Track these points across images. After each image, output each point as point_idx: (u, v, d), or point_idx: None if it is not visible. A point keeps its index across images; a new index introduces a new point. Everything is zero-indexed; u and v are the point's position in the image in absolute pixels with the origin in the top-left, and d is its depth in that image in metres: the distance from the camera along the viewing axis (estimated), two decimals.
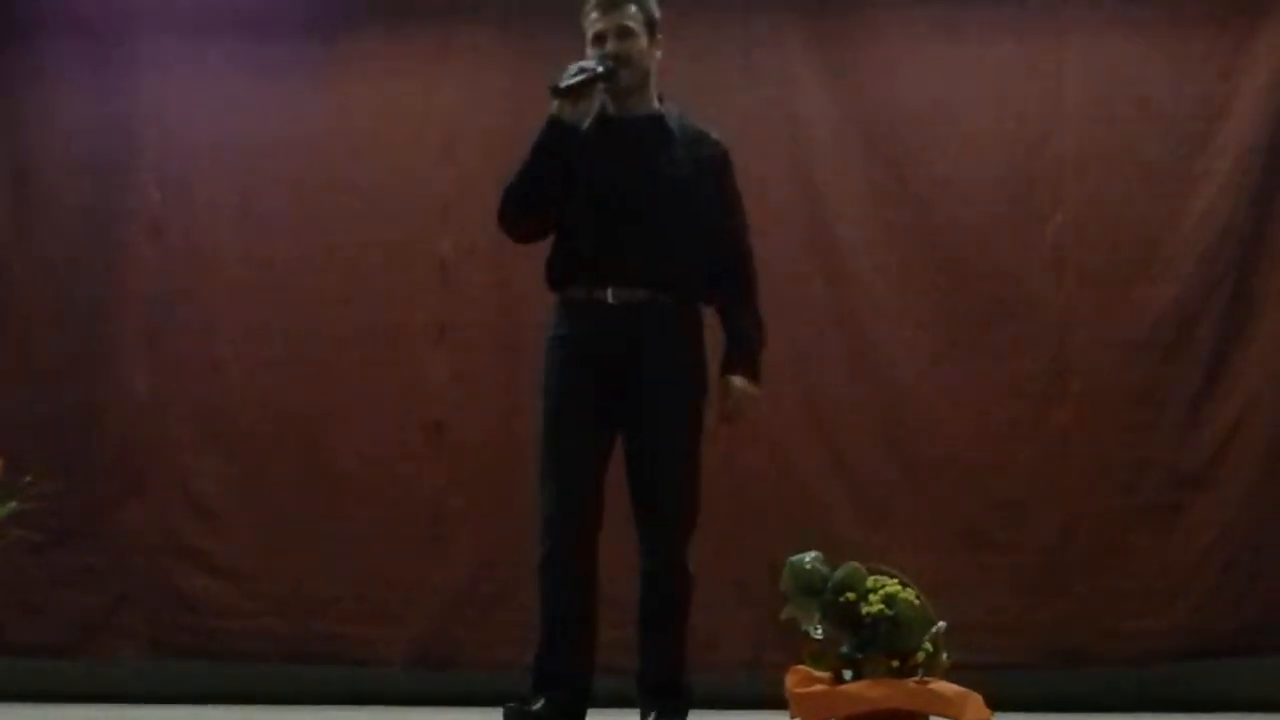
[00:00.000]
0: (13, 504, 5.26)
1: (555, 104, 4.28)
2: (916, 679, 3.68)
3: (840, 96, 6.49)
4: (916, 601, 3.71)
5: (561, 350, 4.38)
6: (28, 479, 5.28)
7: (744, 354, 4.45)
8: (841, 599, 3.72)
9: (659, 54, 4.44)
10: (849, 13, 6.52)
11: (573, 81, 4.26)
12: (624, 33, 4.35)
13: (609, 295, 4.32)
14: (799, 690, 3.73)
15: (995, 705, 3.77)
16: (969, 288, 6.37)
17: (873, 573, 3.76)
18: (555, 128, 4.30)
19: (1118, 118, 6.35)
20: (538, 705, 4.22)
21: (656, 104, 4.45)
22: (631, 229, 4.33)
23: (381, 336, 6.62)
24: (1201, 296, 6.22)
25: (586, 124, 4.36)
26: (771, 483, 6.39)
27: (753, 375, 4.45)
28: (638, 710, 4.34)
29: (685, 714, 4.36)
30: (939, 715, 3.69)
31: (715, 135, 4.49)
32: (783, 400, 6.39)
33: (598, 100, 4.38)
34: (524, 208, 4.38)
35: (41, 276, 6.85)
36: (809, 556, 3.81)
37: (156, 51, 6.86)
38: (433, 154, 6.69)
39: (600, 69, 4.30)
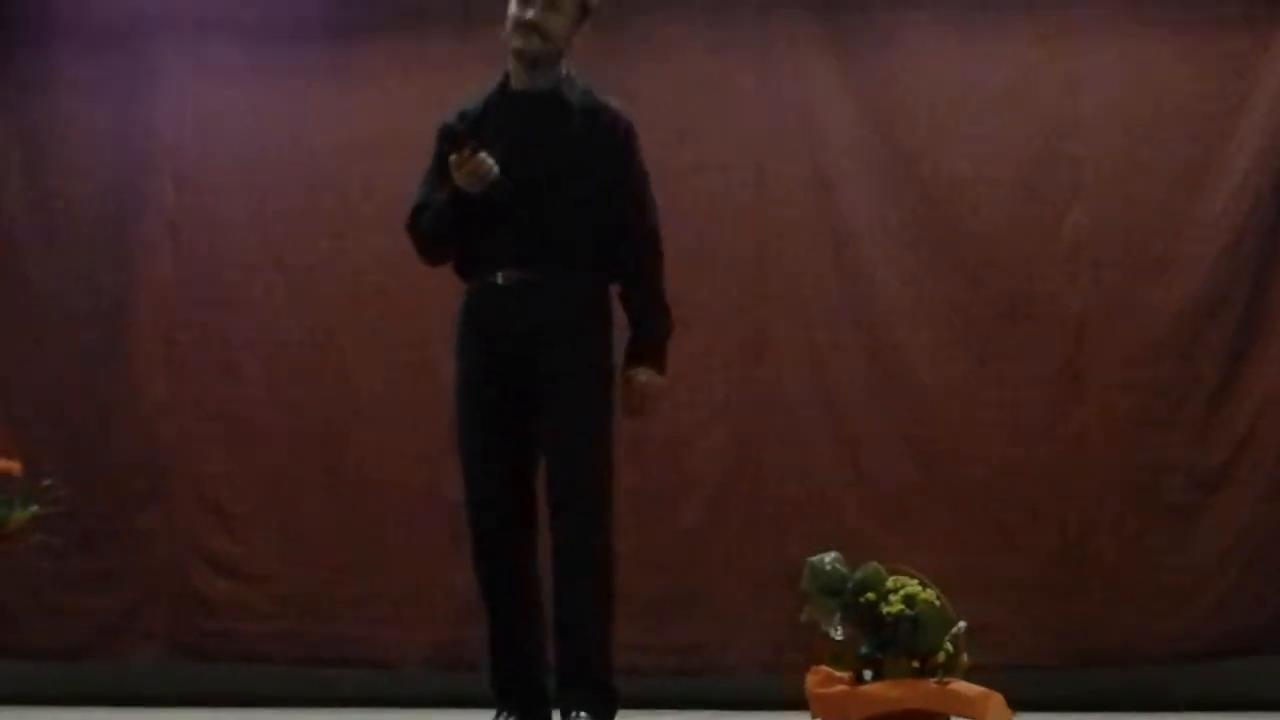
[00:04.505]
0: (34, 508, 5.25)
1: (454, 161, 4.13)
2: (937, 679, 3.68)
3: (857, 95, 6.48)
4: (937, 602, 3.71)
5: (465, 349, 4.25)
6: (48, 482, 5.26)
7: (647, 344, 4.25)
8: (862, 599, 3.72)
9: (579, 40, 4.30)
10: (865, 11, 6.51)
11: (473, 160, 4.11)
12: (551, 4, 4.22)
13: (499, 278, 4.18)
14: (819, 690, 3.73)
15: (1015, 706, 3.77)
16: (986, 286, 6.35)
17: (893, 573, 3.76)
18: (459, 200, 4.18)
19: (1135, 115, 6.33)
20: None
21: (561, 79, 4.27)
22: (522, 206, 4.15)
23: (400, 338, 6.62)
24: (1219, 295, 6.19)
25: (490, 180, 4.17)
26: (789, 483, 6.38)
27: (658, 366, 4.25)
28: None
29: (610, 713, 4.13)
30: (960, 716, 3.69)
31: (617, 108, 4.30)
32: (800, 400, 6.39)
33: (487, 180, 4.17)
34: (433, 252, 4.34)
35: (59, 280, 6.86)
36: (829, 557, 3.81)
37: (173, 56, 6.87)
38: None
39: (498, 188, 4.15)
